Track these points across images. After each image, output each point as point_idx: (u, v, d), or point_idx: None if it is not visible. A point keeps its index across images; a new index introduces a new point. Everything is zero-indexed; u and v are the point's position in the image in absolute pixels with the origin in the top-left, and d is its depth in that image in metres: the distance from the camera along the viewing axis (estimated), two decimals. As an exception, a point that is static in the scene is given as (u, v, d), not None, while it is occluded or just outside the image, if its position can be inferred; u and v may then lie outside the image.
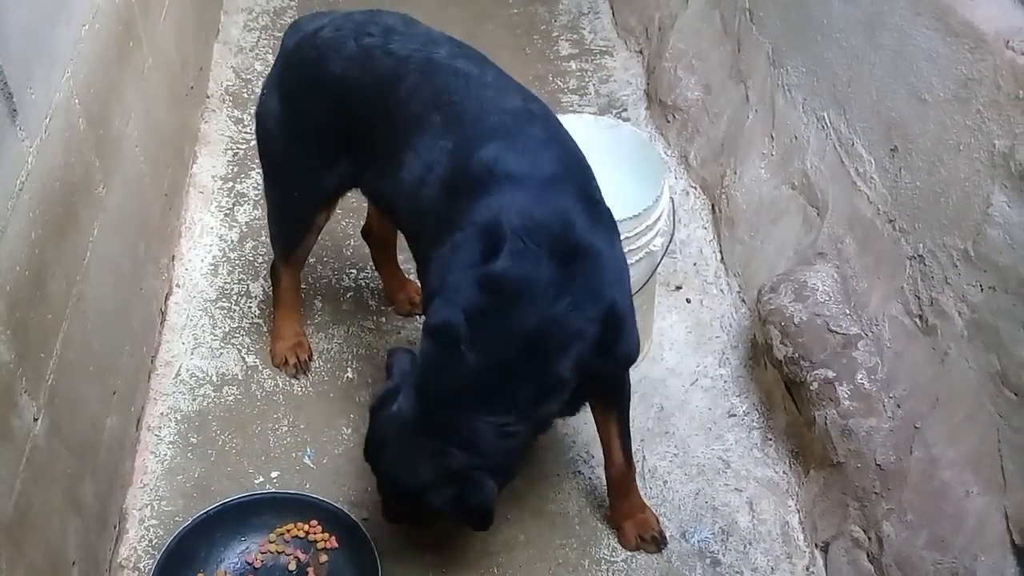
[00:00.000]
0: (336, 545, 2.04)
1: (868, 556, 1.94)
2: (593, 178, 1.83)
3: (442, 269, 1.70)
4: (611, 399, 1.96)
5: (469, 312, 1.62)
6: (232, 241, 2.84)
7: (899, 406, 1.97)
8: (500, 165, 1.69)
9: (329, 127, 2.02)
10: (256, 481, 2.23)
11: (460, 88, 1.81)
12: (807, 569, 2.08)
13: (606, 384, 1.89)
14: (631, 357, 1.85)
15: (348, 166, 2.04)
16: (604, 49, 3.68)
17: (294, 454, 2.29)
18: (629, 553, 2.10)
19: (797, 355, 2.16)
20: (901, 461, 1.91)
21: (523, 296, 1.61)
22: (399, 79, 1.87)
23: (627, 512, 2.10)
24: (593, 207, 1.73)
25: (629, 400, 1.99)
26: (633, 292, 2.27)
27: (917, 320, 1.98)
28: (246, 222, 2.89)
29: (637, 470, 2.25)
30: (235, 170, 3.08)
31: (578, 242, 1.65)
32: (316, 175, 2.13)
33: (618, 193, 2.34)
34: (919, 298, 1.98)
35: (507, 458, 1.71)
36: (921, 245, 1.99)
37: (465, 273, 1.65)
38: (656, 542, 2.09)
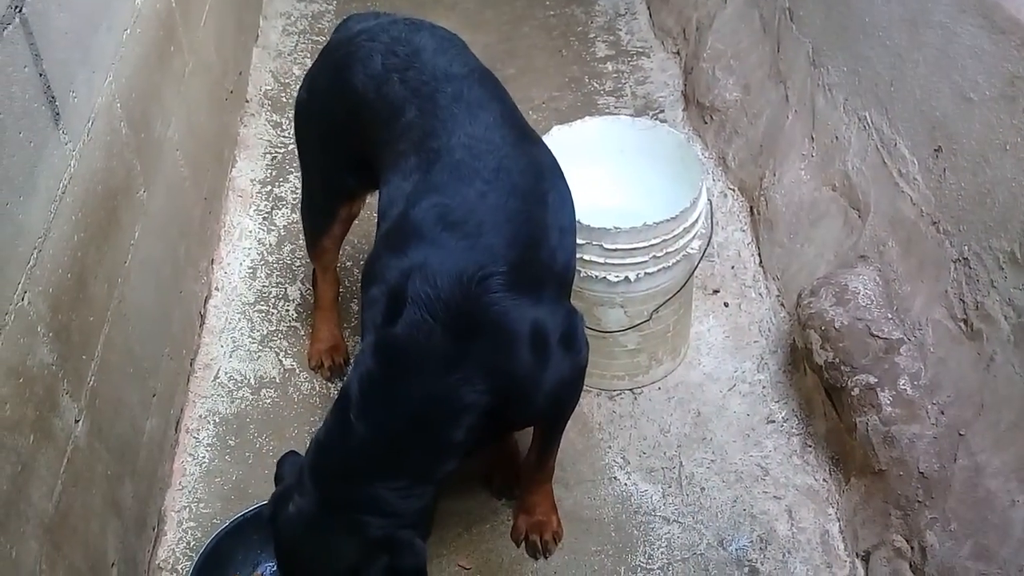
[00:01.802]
0: (372, 548, 2.04)
1: (911, 566, 1.90)
2: (541, 247, 1.73)
3: (361, 325, 1.71)
4: (539, 425, 1.96)
5: (362, 379, 1.61)
6: (270, 245, 2.86)
7: (943, 413, 1.93)
8: (426, 224, 1.65)
9: (348, 133, 2.04)
10: (293, 483, 2.23)
11: (443, 135, 1.78)
12: (848, 578, 2.04)
13: (522, 426, 1.92)
14: (545, 417, 1.85)
15: (367, 172, 2.04)
16: (641, 50, 3.66)
17: (330, 456, 2.29)
18: (666, 560, 2.08)
19: (838, 360, 2.12)
20: (945, 469, 1.87)
21: (411, 368, 1.59)
22: (403, 111, 1.86)
23: (527, 507, 2.10)
24: (516, 278, 1.63)
25: (562, 426, 1.97)
26: (670, 296, 2.27)
27: (962, 324, 1.94)
28: (284, 226, 2.91)
29: (673, 476, 2.24)
30: (273, 174, 3.10)
31: (479, 318, 1.61)
32: (338, 171, 2.15)
33: (656, 194, 2.34)
34: (964, 302, 1.94)
35: (418, 516, 1.66)
36: (966, 247, 1.95)
37: (369, 336, 1.65)
38: (536, 548, 2.08)
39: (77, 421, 1.71)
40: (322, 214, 2.27)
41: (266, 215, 2.96)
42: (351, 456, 1.61)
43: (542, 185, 1.80)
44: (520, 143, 1.83)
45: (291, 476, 1.70)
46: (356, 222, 2.86)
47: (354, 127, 2.00)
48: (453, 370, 1.59)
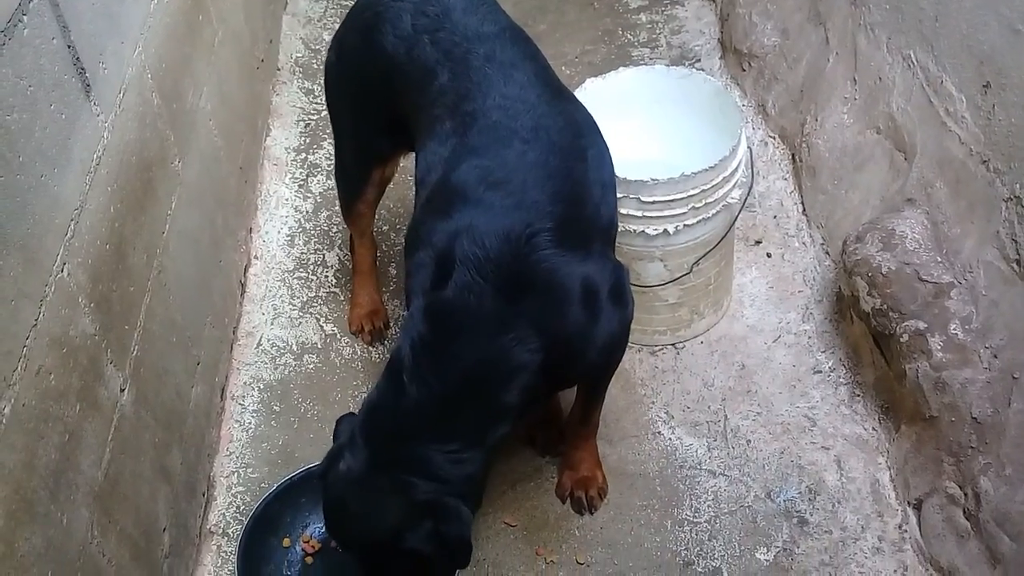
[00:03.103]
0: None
1: (964, 512, 1.86)
2: (584, 204, 1.72)
3: (407, 290, 1.70)
4: (585, 382, 1.95)
5: (414, 342, 1.60)
6: (307, 212, 2.86)
7: (996, 356, 1.88)
8: (470, 185, 1.64)
9: (379, 95, 2.01)
10: (338, 446, 2.25)
11: (478, 97, 1.76)
12: (899, 527, 2.01)
13: (574, 382, 1.90)
14: (597, 372, 1.84)
15: (399, 134, 2.03)
16: (675, -1, 3.58)
17: (374, 419, 2.31)
18: (713, 513, 2.07)
19: (886, 307, 2.07)
20: (999, 414, 1.83)
21: (463, 329, 1.58)
22: (435, 75, 1.83)
23: (573, 463, 2.10)
24: (563, 235, 1.62)
25: (607, 381, 1.97)
26: (710, 248, 2.23)
27: (1014, 265, 1.88)
28: (320, 192, 2.91)
29: (718, 429, 2.21)
30: (307, 141, 3.10)
31: (529, 276, 1.60)
32: (369, 133, 2.14)
33: (694, 144, 2.29)
34: (1016, 242, 1.88)
35: (467, 484, 1.65)
36: (1018, 185, 1.88)
37: (418, 300, 1.64)
38: (582, 504, 2.07)
39: (122, 390, 1.73)
40: (356, 178, 2.26)
41: (302, 182, 2.96)
42: (403, 417, 1.61)
43: (580, 142, 1.78)
44: (556, 101, 1.81)
45: (345, 436, 1.71)
46: (392, 186, 2.86)
47: (385, 89, 1.98)
48: (506, 330, 1.58)
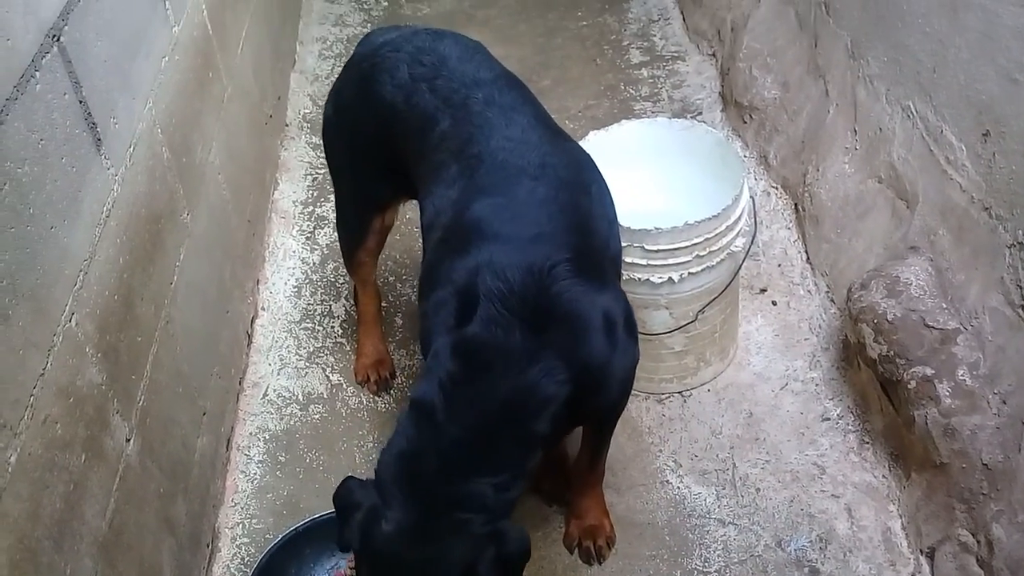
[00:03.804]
0: (424, 560, 2.03)
1: (978, 560, 1.84)
2: (594, 235, 1.75)
3: (426, 331, 1.69)
4: (596, 422, 1.94)
5: (443, 382, 1.59)
6: (314, 263, 2.88)
7: (1004, 402, 1.87)
8: (486, 223, 1.66)
9: (378, 145, 2.04)
10: (344, 498, 2.24)
11: (482, 140, 1.79)
12: (913, 577, 1.98)
13: (591, 417, 1.88)
14: (613, 406, 1.83)
15: (398, 181, 2.05)
16: (676, 55, 3.64)
17: (380, 470, 2.30)
18: (723, 563, 2.04)
19: (892, 353, 2.07)
20: (1010, 460, 1.81)
21: (494, 365, 1.57)
22: (436, 121, 1.86)
23: (580, 512, 2.08)
24: (580, 266, 1.64)
25: (615, 421, 1.95)
26: (715, 295, 2.24)
27: (1020, 311, 1.88)
28: (327, 244, 2.94)
29: (727, 478, 2.20)
30: (315, 195, 3.13)
31: (552, 307, 1.60)
32: (368, 183, 2.16)
33: (697, 194, 2.31)
34: (1021, 287, 1.88)
35: (510, 508, 1.64)
36: (1020, 231, 1.89)
37: (443, 339, 1.62)
38: (590, 554, 2.05)
39: (128, 440, 1.73)
40: (356, 227, 2.28)
41: (309, 235, 2.98)
42: (447, 458, 1.58)
43: (583, 177, 1.82)
44: (557, 140, 1.85)
45: (367, 498, 1.63)
46: (397, 237, 2.90)
47: (383, 137, 2.01)
48: (535, 361, 1.58)
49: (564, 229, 1.68)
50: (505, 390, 1.58)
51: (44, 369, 1.45)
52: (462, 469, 1.58)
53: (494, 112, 1.82)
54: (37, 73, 1.54)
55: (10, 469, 1.32)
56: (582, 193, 1.78)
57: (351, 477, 1.72)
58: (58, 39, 1.62)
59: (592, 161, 1.90)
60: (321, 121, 3.38)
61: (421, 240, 1.89)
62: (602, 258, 1.76)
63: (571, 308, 1.62)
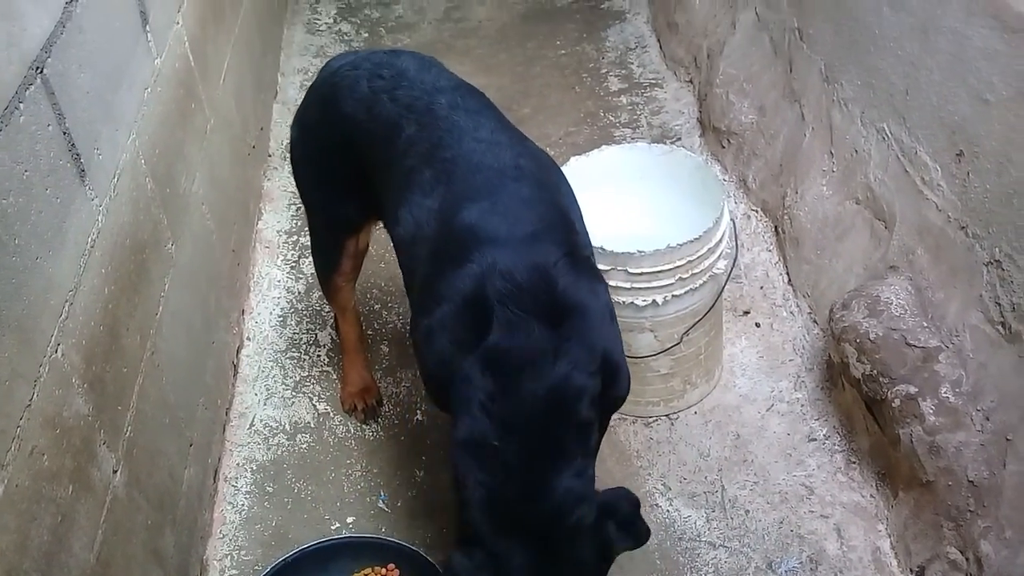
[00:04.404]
0: (414, 588, 2.03)
1: (967, 577, 1.85)
2: (577, 232, 1.78)
3: (434, 353, 1.66)
4: (602, 420, 1.90)
5: (486, 405, 1.56)
6: (299, 292, 2.88)
7: (988, 419, 1.89)
8: (480, 228, 1.65)
9: (343, 163, 2.05)
10: (332, 527, 2.23)
11: (452, 143, 1.79)
12: (903, 595, 1.99)
13: (603, 412, 1.86)
14: (622, 398, 1.83)
15: (367, 200, 2.05)
16: (654, 81, 3.68)
17: (368, 498, 2.29)
18: (713, 585, 2.04)
19: (875, 372, 2.09)
20: (995, 476, 1.83)
21: (525, 368, 1.56)
22: (400, 128, 1.87)
23: None
24: (575, 261, 1.66)
25: (606, 427, 1.94)
26: (699, 318, 2.25)
27: (1000, 328, 1.90)
28: (311, 273, 2.93)
29: (716, 500, 2.20)
30: (298, 224, 3.13)
31: (563, 301, 1.61)
32: (337, 205, 2.16)
33: (678, 217, 2.33)
34: (1000, 305, 1.91)
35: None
36: (997, 249, 1.92)
37: (468, 359, 1.59)
38: None
39: (115, 471, 1.72)
40: (330, 251, 2.27)
41: (293, 264, 2.98)
42: (526, 478, 1.54)
43: (553, 177, 1.86)
44: (523, 141, 1.89)
45: (473, 562, 1.55)
46: (382, 265, 2.90)
47: (349, 154, 2.01)
48: (562, 356, 1.57)
49: (555, 227, 1.70)
50: (544, 390, 1.55)
51: (31, 400, 1.44)
52: (543, 478, 1.55)
53: (460, 116, 1.84)
54: (21, 105, 1.54)
55: (-3, 501, 1.31)
56: (557, 191, 1.81)
57: (455, 554, 1.58)
58: (41, 71, 1.63)
59: (552, 160, 1.94)
60: (303, 151, 3.43)
61: (397, 256, 1.87)
62: (589, 253, 1.78)
63: (580, 301, 1.62)
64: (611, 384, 1.69)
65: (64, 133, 1.69)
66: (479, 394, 1.56)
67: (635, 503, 1.65)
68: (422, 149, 1.82)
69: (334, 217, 2.20)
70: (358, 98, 1.96)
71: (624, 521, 1.61)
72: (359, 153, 1.98)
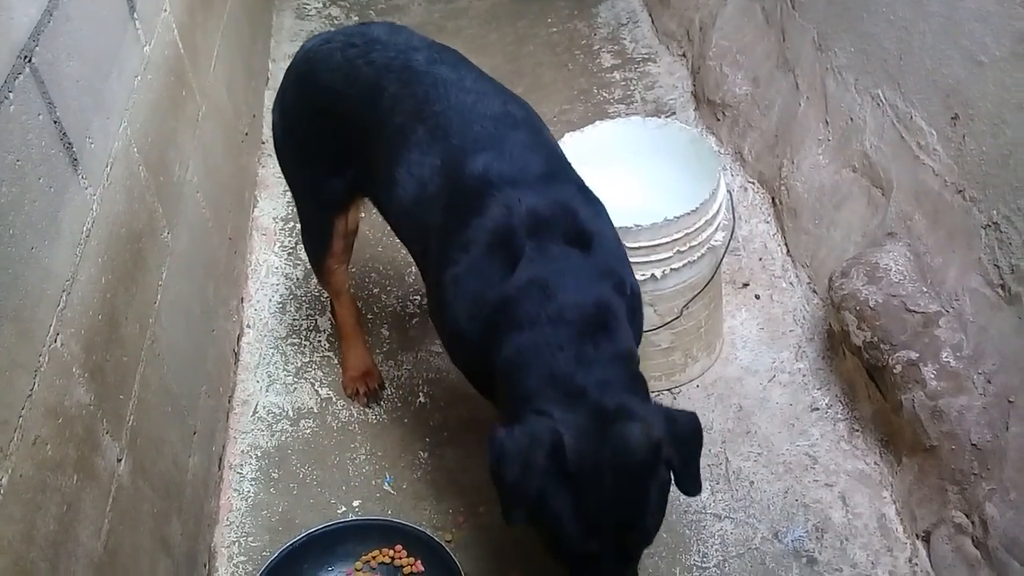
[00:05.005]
0: (422, 568, 2.03)
1: (973, 541, 1.85)
2: (568, 165, 1.85)
3: (462, 294, 1.65)
4: None
5: (534, 317, 1.56)
6: (297, 279, 2.88)
7: (989, 382, 1.89)
8: (493, 174, 1.68)
9: (325, 136, 2.04)
10: (339, 511, 2.23)
11: (440, 97, 1.80)
12: (910, 561, 1.99)
13: None
14: (641, 329, 1.84)
15: (352, 174, 2.05)
16: (647, 56, 3.67)
17: (374, 481, 2.29)
18: (721, 557, 2.04)
19: (876, 339, 2.09)
20: (998, 439, 1.83)
21: (569, 287, 1.58)
22: (381, 88, 1.87)
23: None
24: (584, 192, 1.75)
25: None
26: (698, 291, 2.25)
27: (999, 290, 1.90)
28: (308, 259, 2.93)
29: (721, 472, 2.20)
30: (294, 211, 3.10)
31: (587, 229, 1.66)
32: (322, 182, 2.15)
33: (674, 190, 2.32)
34: (999, 267, 1.91)
35: (646, 386, 1.62)
36: (995, 212, 1.92)
37: (506, 292, 1.59)
38: None
39: (119, 460, 1.72)
40: (320, 232, 2.26)
41: (291, 251, 2.98)
42: (578, 352, 1.54)
43: (538, 120, 1.92)
44: (504, 89, 1.93)
45: (527, 433, 1.48)
46: (380, 249, 2.89)
47: (330, 127, 2.01)
48: (595, 276, 1.62)
49: (560, 166, 1.77)
50: (590, 305, 1.58)
51: (32, 390, 1.44)
52: (596, 357, 1.54)
53: (441, 69, 1.86)
54: (10, 94, 1.53)
55: (2, 491, 1.31)
56: (547, 133, 1.89)
57: (494, 435, 1.50)
58: (30, 60, 1.61)
59: (528, 104, 1.97)
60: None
61: (395, 231, 1.89)
62: (586, 188, 1.81)
63: (599, 231, 1.68)
64: (633, 314, 1.71)
65: (55, 122, 1.68)
66: (529, 311, 1.56)
67: (698, 431, 1.56)
68: (408, 106, 1.82)
69: (321, 196, 2.19)
70: (334, 68, 1.97)
71: (680, 438, 1.52)
72: (342, 124, 1.98)
